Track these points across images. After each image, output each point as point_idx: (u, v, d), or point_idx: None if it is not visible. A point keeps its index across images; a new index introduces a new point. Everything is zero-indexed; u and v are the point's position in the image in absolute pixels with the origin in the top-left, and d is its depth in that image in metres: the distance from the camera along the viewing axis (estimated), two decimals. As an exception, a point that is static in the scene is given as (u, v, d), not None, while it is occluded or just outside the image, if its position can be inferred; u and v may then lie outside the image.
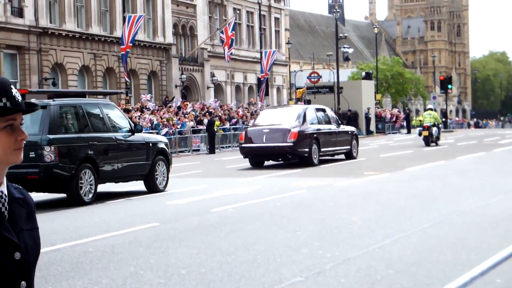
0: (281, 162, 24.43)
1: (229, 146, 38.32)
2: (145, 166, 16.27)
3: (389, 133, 60.08)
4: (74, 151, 14.48)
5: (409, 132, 62.07)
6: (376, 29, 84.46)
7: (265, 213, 12.32)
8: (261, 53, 54.75)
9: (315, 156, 23.68)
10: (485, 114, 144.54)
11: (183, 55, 58.92)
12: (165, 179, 16.87)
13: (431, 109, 36.93)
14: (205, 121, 36.85)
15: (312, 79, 55.77)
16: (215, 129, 36.30)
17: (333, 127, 25.36)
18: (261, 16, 62.74)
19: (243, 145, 23.80)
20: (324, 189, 16.05)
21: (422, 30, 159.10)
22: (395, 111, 70.40)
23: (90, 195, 14.68)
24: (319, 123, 24.64)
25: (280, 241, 9.45)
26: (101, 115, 15.48)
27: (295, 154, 23.26)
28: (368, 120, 54.69)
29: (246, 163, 25.69)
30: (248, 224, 11.09)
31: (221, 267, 7.99)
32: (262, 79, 52.95)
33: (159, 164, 16.62)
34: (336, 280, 7.28)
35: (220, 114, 41.08)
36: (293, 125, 23.38)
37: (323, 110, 25.99)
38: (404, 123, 64.97)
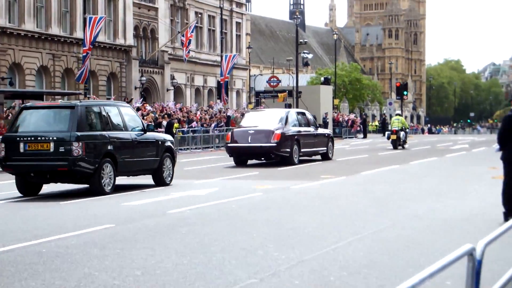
0: (264, 161, 25.97)
1: (188, 148, 38.20)
2: (155, 162, 17.99)
3: (346, 138, 60.47)
4: (98, 147, 16.02)
5: (365, 136, 62.53)
6: (335, 35, 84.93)
7: (221, 215, 12.28)
8: (221, 56, 54.69)
9: (295, 156, 25.50)
10: (439, 120, 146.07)
11: (144, 57, 58.59)
12: (171, 174, 18.62)
13: (399, 115, 39.77)
14: (164, 123, 36.67)
15: (272, 83, 55.87)
16: (174, 131, 36.16)
17: (311, 130, 27.19)
18: (222, 20, 62.71)
19: (229, 144, 25.48)
20: (281, 192, 16.05)
21: (380, 37, 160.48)
22: (352, 116, 70.87)
23: (110, 187, 16.22)
24: (299, 125, 26.42)
25: (235, 243, 9.41)
26: (119, 115, 17.07)
27: (277, 154, 25.00)
28: (326, 124, 54.94)
29: (205, 165, 25.66)
30: (205, 226, 11.02)
31: (177, 268, 7.91)
32: (222, 82, 52.92)
33: (166, 160, 18.36)
34: (290, 282, 7.26)
35: (179, 116, 40.93)
36: (276, 127, 25.19)
37: (303, 114, 27.80)
38: (361, 128, 65.46)
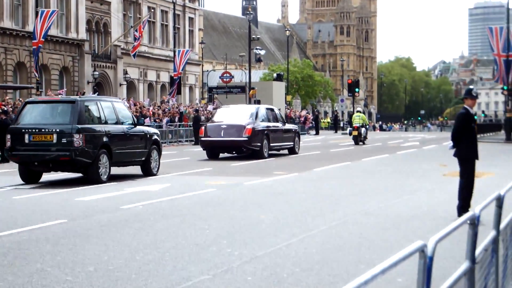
0: (235, 154, 27.25)
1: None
2: (143, 153, 19.44)
3: (298, 134, 60.65)
4: (96, 139, 17.45)
5: (317, 133, 62.88)
6: (288, 32, 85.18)
7: (174, 211, 12.24)
8: (174, 52, 54.48)
9: (265, 150, 26.82)
10: (390, 117, 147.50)
11: (96, 52, 58.06)
12: (157, 165, 20.04)
13: (359, 112, 40.85)
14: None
15: (225, 79, 55.81)
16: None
17: (280, 125, 28.49)
18: (175, 15, 62.43)
19: (203, 138, 26.68)
20: (234, 188, 16.06)
21: (332, 34, 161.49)
22: (304, 112, 71.19)
23: (106, 176, 17.63)
24: (268, 121, 27.68)
25: (188, 238, 9.40)
26: (112, 110, 18.53)
27: (249, 147, 26.24)
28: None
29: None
30: (158, 221, 10.99)
31: (129, 264, 7.88)
32: (175, 77, 52.72)
33: (153, 152, 19.80)
34: (243, 278, 7.28)
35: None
36: (247, 122, 26.45)
37: (272, 110, 29.01)
38: (313, 125, 65.80)
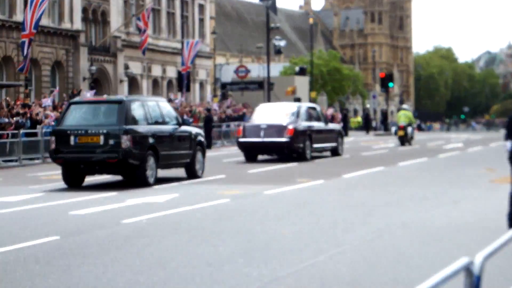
0: (276, 157, 29.04)
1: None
2: (188, 155, 20.79)
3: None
4: (143, 140, 18.91)
5: (346, 134, 62.66)
6: (311, 19, 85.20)
7: (183, 225, 12.20)
8: (182, 43, 54.55)
9: (308, 152, 28.27)
10: (429, 115, 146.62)
11: (93, 44, 58.24)
12: (202, 167, 21.52)
13: (404, 109, 41.77)
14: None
15: (240, 74, 55.86)
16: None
17: (322, 125, 30.07)
18: (183, 2, 62.57)
19: (241, 139, 28.54)
20: (252, 198, 16.01)
21: (361, 22, 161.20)
22: (331, 111, 71.06)
23: (153, 179, 19.07)
24: (310, 120, 29.22)
25: (200, 257, 9.34)
26: (158, 109, 20.06)
27: (291, 149, 27.84)
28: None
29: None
30: (164, 237, 10.94)
31: (132, 287, 7.88)
32: (183, 72, 52.78)
33: (198, 153, 21.14)
34: (262, 302, 7.21)
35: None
36: (289, 121, 28.03)
37: (314, 108, 30.80)
38: (342, 125, 65.51)
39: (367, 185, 18.63)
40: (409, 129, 39.32)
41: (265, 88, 53.61)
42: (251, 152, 28.53)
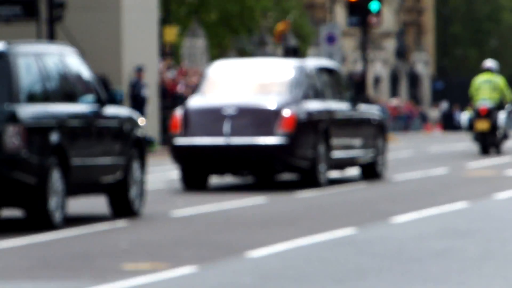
0: (251, 179, 17.61)
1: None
2: (117, 168, 13.48)
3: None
4: (44, 135, 11.86)
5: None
6: None
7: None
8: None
9: (322, 168, 16.62)
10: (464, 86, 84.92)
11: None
12: (142, 191, 14.01)
13: (490, 71, 25.23)
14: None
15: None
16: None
17: (346, 108, 18.07)
18: None
19: (180, 140, 16.49)
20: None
21: None
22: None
23: (60, 216, 11.92)
24: (324, 96, 17.55)
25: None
26: (63, 72, 12.72)
27: (288, 161, 16.40)
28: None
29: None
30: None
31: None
32: None
33: (134, 164, 13.61)
34: None
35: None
36: (283, 100, 16.49)
37: (330, 71, 18.54)
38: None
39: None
40: (500, 117, 23.96)
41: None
42: (200, 169, 16.61)
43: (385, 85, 74.38)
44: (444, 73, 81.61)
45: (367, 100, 24.38)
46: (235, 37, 52.93)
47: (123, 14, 32.06)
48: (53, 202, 11.61)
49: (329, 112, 17.29)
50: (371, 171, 18.50)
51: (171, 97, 34.72)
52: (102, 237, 11.13)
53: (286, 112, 16.31)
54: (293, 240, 9.85)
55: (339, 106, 17.81)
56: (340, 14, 63.71)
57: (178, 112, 17.09)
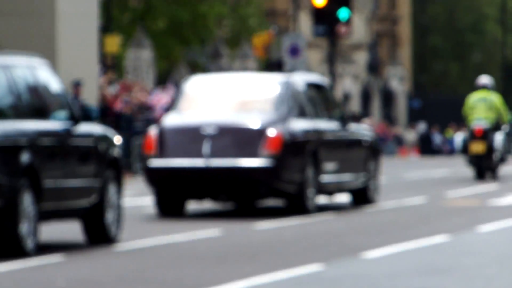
0: (231, 205, 17.99)
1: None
2: (92, 190, 13.91)
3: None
4: (13, 154, 12.29)
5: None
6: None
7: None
8: None
9: (310, 193, 16.99)
10: (443, 103, 70.55)
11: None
12: (118, 217, 14.42)
13: (486, 88, 25.18)
14: None
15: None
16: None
17: (337, 127, 18.50)
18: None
19: (155, 162, 16.77)
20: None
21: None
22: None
23: (31, 243, 12.41)
24: (315, 115, 17.97)
25: None
26: (34, 85, 13.13)
27: (273, 186, 16.78)
28: None
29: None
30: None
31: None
32: None
33: (111, 188, 14.11)
34: None
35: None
36: (269, 119, 16.89)
37: (320, 87, 18.86)
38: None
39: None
40: (497, 138, 23.96)
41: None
42: (177, 194, 16.91)
43: (355, 103, 74.48)
44: (422, 90, 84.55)
45: (357, 119, 23.25)
46: (186, 48, 52.57)
47: (58, 21, 31.96)
48: (24, 227, 11.95)
49: (318, 132, 17.67)
50: (362, 197, 19.05)
51: (113, 116, 33.51)
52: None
53: (271, 132, 16.74)
54: (251, 277, 9.56)
55: (329, 126, 18.16)
56: (305, 23, 63.10)
57: (153, 131, 17.42)
